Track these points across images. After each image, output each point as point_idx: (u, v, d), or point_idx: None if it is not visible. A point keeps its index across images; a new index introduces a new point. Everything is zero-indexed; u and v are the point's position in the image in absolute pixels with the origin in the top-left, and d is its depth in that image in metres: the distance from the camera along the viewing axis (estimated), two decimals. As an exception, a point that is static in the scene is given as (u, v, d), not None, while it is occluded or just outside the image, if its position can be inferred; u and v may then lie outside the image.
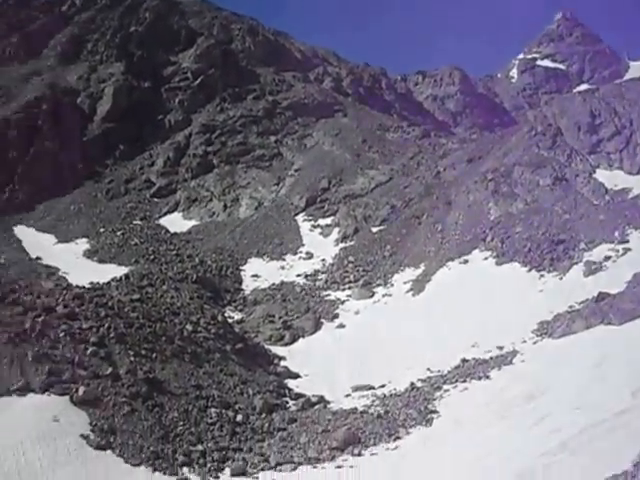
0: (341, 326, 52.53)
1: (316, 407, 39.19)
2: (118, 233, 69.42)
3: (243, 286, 60.69)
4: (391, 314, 52.27)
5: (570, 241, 52.20)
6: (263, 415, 37.30)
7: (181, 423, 34.65)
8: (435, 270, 55.45)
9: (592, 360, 33.34)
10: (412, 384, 39.81)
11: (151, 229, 71.47)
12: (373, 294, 56.27)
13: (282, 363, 46.62)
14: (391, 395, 39.38)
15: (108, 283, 49.09)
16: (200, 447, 33.41)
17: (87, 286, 46.20)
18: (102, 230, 70.52)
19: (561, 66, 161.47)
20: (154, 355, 38.93)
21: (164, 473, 31.29)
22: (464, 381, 37.97)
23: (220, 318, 47.99)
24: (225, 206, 75.74)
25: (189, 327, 43.58)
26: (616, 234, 51.05)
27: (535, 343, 40.87)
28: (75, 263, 61.80)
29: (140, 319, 41.47)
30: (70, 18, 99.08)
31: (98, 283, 48.21)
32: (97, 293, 43.59)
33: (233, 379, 40.34)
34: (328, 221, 70.49)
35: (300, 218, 71.97)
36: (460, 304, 49.05)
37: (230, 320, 51.36)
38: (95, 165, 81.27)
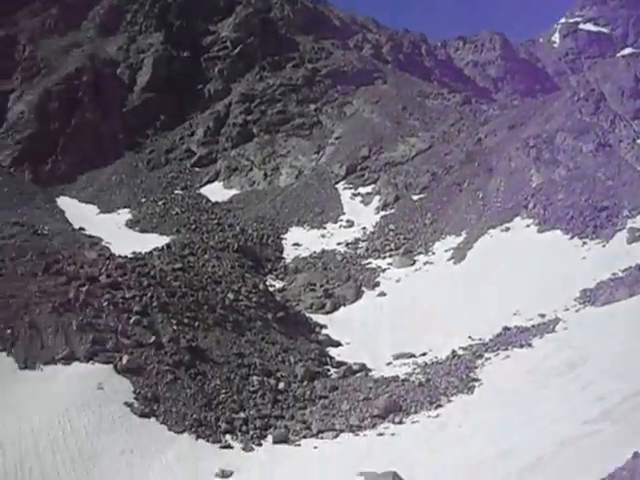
0: (382, 294, 52.48)
1: (357, 375, 39.29)
2: (159, 203, 69.86)
3: (284, 255, 60.82)
4: (432, 282, 52.11)
5: (613, 208, 51.48)
6: (305, 383, 37.49)
7: (223, 391, 34.96)
8: (476, 238, 55.07)
9: (635, 328, 32.98)
10: (453, 352, 39.72)
11: (192, 198, 71.81)
12: (414, 262, 56.08)
13: (323, 331, 46.75)
14: (432, 363, 39.34)
15: (150, 252, 49.46)
16: (242, 415, 33.72)
17: (129, 256, 46.60)
18: (143, 200, 71.01)
19: (604, 30, 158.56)
20: (196, 324, 39.24)
21: (207, 440, 31.66)
22: (506, 349, 37.78)
23: (261, 287, 48.17)
24: (265, 175, 75.81)
25: (231, 296, 43.82)
26: (660, 200, 50.33)
27: (578, 311, 40.49)
28: (117, 233, 62.35)
29: (182, 288, 41.79)
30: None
31: (140, 253, 48.58)
32: (139, 263, 43.98)
33: (275, 347, 40.56)
34: (368, 189, 70.26)
35: (340, 186, 71.81)
36: (502, 272, 48.74)
37: (271, 289, 51.53)
38: (136, 136, 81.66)
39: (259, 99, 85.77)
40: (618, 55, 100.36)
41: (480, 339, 40.89)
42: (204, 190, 74.79)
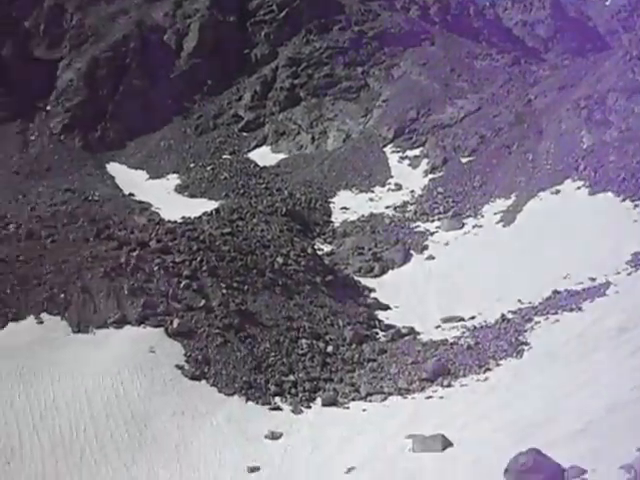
0: (431, 258, 52.29)
1: (406, 338, 39.34)
2: (208, 168, 70.23)
3: (332, 218, 60.84)
4: (481, 245, 51.76)
5: (666, 169, 50.49)
6: (353, 346, 37.65)
7: (273, 354, 35.29)
8: (526, 200, 54.45)
9: (689, 291, 32.52)
10: (503, 316, 39.53)
11: (240, 163, 72.06)
12: (463, 225, 55.70)
13: (372, 295, 46.79)
14: (481, 327, 39.22)
15: (199, 217, 49.82)
16: (292, 377, 34.04)
17: (179, 221, 47.03)
18: (192, 165, 71.47)
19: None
20: (246, 287, 39.57)
21: (257, 402, 32.06)
22: (555, 313, 37.45)
23: (310, 250, 48.30)
24: (313, 139, 75.71)
25: (279, 260, 44.04)
26: None
27: (629, 274, 39.90)
28: (167, 198, 62.91)
29: (231, 252, 42.10)
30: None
31: (189, 217, 48.96)
32: (189, 227, 44.38)
33: (323, 310, 40.75)
34: (417, 152, 69.75)
35: (388, 149, 71.41)
36: (552, 235, 48.18)
37: (320, 252, 51.65)
38: (183, 101, 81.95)
39: (306, 62, 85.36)
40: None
41: (529, 303, 40.59)
42: (252, 155, 74.99)
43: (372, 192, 64.72)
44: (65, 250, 39.48)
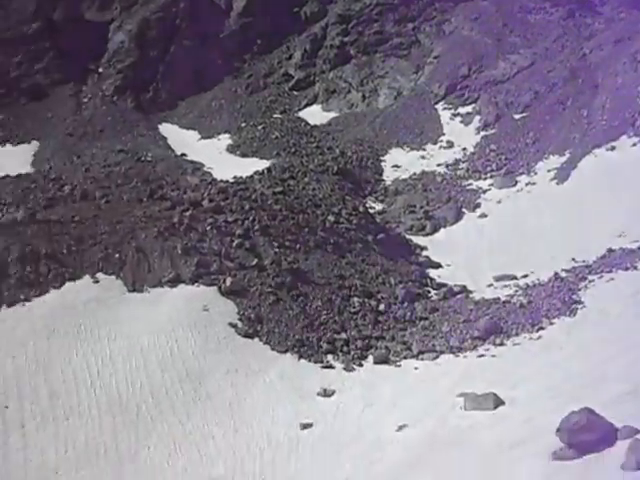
0: (483, 215, 51.94)
1: (458, 296, 39.29)
2: (259, 127, 70.27)
3: (384, 177, 60.61)
4: (534, 203, 51.20)
5: None
6: (405, 304, 37.69)
7: (325, 312, 35.51)
8: (580, 157, 53.57)
9: None
10: (556, 274, 39.18)
11: (291, 122, 71.93)
12: (516, 183, 55.11)
13: (423, 253, 46.71)
14: (534, 285, 38.95)
15: (251, 177, 50.01)
16: (344, 335, 34.25)
17: (231, 180, 47.28)
18: (243, 125, 71.54)
19: None
20: (297, 246, 39.75)
21: (309, 360, 32.37)
22: (610, 271, 37.00)
23: (361, 209, 48.30)
24: (364, 97, 75.21)
25: (331, 218, 44.10)
26: None
27: (686, 232, 39.27)
28: (218, 158, 63.17)
29: (283, 211, 42.27)
30: None
31: (241, 177, 49.18)
32: (241, 187, 44.61)
33: (375, 269, 40.79)
34: (469, 109, 68.92)
35: (440, 106, 70.65)
36: (606, 192, 47.41)
37: (371, 211, 51.63)
38: (234, 61, 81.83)
39: (356, 20, 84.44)
40: None
41: (583, 261, 40.15)
42: (303, 113, 74.80)
43: (424, 150, 64.25)
44: (119, 210, 40.03)
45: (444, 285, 40.82)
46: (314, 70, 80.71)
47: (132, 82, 74.88)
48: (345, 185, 53.96)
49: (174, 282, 35.09)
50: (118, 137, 65.09)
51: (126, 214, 39.28)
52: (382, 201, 56.27)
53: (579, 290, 35.82)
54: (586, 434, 13.54)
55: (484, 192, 54.96)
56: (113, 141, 63.94)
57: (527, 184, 54.37)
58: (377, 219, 49.74)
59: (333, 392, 30.22)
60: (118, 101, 72.99)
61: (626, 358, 24.06)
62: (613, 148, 52.58)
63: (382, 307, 36.91)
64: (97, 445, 27.09)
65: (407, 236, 49.09)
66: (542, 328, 32.64)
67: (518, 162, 57.79)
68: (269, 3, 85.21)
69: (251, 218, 39.74)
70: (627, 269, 36.40)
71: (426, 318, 36.34)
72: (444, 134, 65.97)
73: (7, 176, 48.12)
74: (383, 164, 62.55)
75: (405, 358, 32.79)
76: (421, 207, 53.54)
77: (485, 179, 56.94)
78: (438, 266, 44.56)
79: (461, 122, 67.46)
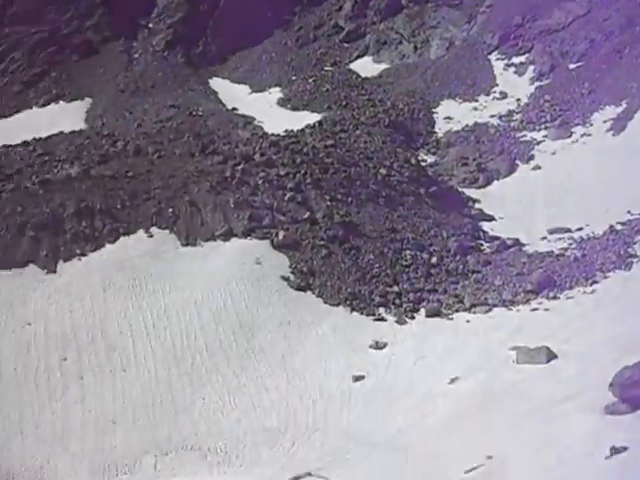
0: (537, 167, 51.21)
1: (511, 250, 38.97)
2: (310, 80, 69.86)
3: (436, 129, 60.01)
4: (590, 155, 50.30)
5: None
6: (457, 257, 37.54)
7: (377, 265, 35.56)
8: (637, 107, 52.36)
9: None
10: (611, 227, 38.59)
11: (342, 74, 71.36)
12: (571, 134, 54.15)
13: (476, 206, 46.33)
14: (589, 238, 38.47)
15: (302, 130, 49.91)
16: (396, 288, 34.32)
17: (282, 134, 47.25)
18: (294, 78, 71.17)
19: None
20: (349, 199, 39.72)
21: (361, 313, 32.52)
22: (666, 224, 36.43)
23: (413, 161, 47.99)
24: (415, 48, 74.19)
25: (383, 171, 43.92)
26: None
27: None
28: (269, 112, 63.08)
29: (335, 164, 42.19)
30: None
31: (292, 130, 49.10)
32: (292, 140, 44.58)
33: (427, 222, 40.62)
34: (522, 59, 67.64)
35: (493, 57, 69.46)
36: (665, 142, 46.47)
37: (423, 163, 51.25)
38: (283, 13, 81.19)
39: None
40: None
41: (639, 214, 39.48)
42: (354, 65, 74.10)
43: (476, 101, 63.36)
44: (172, 165, 40.32)
45: (497, 238, 40.50)
46: (365, 21, 79.72)
47: (182, 37, 74.80)
48: (397, 138, 53.56)
49: (227, 236, 35.42)
50: (169, 92, 65.26)
51: (179, 169, 39.57)
52: (434, 153, 55.79)
53: (634, 243, 35.30)
54: (639, 389, 13.47)
55: (538, 144, 54.13)
56: (164, 96, 64.13)
57: (582, 135, 53.41)
58: (429, 172, 49.38)
59: (385, 345, 30.38)
60: (168, 56, 73.05)
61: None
62: (672, 97, 51.39)
63: (434, 260, 36.82)
64: (153, 396, 27.68)
65: (459, 189, 48.69)
66: (596, 282, 32.33)
67: (573, 113, 56.70)
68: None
69: (303, 171, 39.75)
70: (684, 222, 35.75)
71: (479, 271, 36.18)
72: (497, 85, 64.93)
73: (61, 133, 48.72)
74: (435, 116, 61.89)
75: (457, 311, 32.79)
76: (474, 159, 52.99)
77: (539, 130, 56.03)
78: (491, 219, 44.19)
79: (515, 72, 66.30)
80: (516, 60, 67.47)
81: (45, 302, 31.29)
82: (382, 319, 32.21)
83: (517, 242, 39.70)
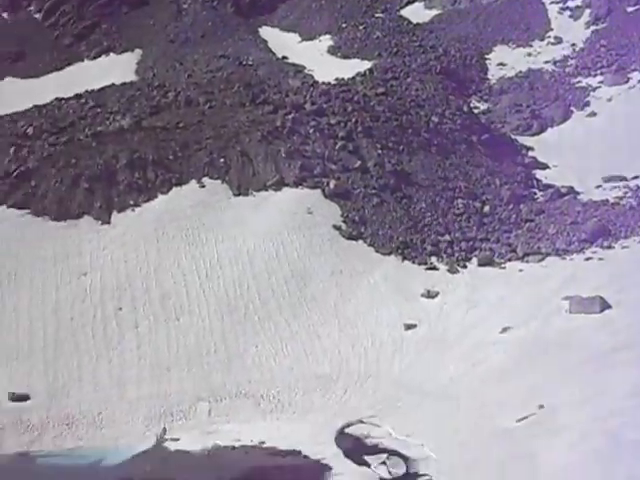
0: (592, 114, 50.32)
1: (565, 198, 38.52)
2: (360, 27, 69.11)
3: (488, 75, 59.15)
4: (647, 100, 49.30)
5: None
6: (510, 206, 37.26)
7: (429, 214, 35.46)
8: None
9: None
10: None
11: (393, 21, 70.44)
12: (628, 80, 52.96)
13: (530, 153, 45.75)
14: (645, 186, 37.93)
15: (353, 78, 49.56)
16: (448, 237, 34.24)
17: (333, 82, 46.97)
18: (344, 25, 70.45)
19: None
20: (401, 148, 39.52)
21: (413, 262, 32.53)
22: None
23: (465, 109, 47.48)
24: (467, -8, 72.97)
25: (435, 119, 43.56)
26: None
27: None
28: (320, 60, 62.66)
29: (386, 112, 41.94)
30: None
31: (343, 79, 48.77)
32: (343, 89, 44.33)
33: (480, 170, 40.29)
34: (578, 2, 66.08)
35: (547, 0, 68.05)
36: None
37: (476, 111, 50.68)
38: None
39: None
40: None
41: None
42: (405, 12, 73.05)
43: (530, 46, 62.22)
44: (223, 115, 40.39)
45: (551, 186, 40.03)
46: (416, -34, 78.47)
47: (232, -15, 74.40)
48: (448, 85, 52.93)
49: (278, 185, 35.52)
50: (219, 42, 65.10)
51: (230, 119, 39.64)
52: (487, 100, 55.07)
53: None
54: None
55: (594, 90, 53.10)
56: (214, 46, 64.00)
57: (639, 81, 52.27)
58: (482, 119, 48.82)
59: (437, 294, 30.41)
60: (218, 6, 72.71)
61: None
62: None
63: (487, 209, 36.59)
64: (207, 344, 28.12)
65: (513, 136, 48.08)
66: (652, 230, 31.86)
67: (630, 58, 55.38)
68: None
69: (354, 120, 39.57)
70: None
71: (532, 220, 35.86)
72: (552, 29, 63.63)
73: (112, 85, 48.95)
74: (488, 62, 60.96)
75: (510, 260, 32.63)
76: (527, 106, 52.24)
77: (595, 76, 54.92)
78: (545, 167, 43.64)
79: (570, 16, 64.86)
80: (571, 3, 65.95)
81: (100, 253, 31.80)
82: (434, 268, 32.21)
83: (571, 190, 39.21)
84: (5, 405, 25.64)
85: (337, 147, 37.73)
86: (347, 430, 24.53)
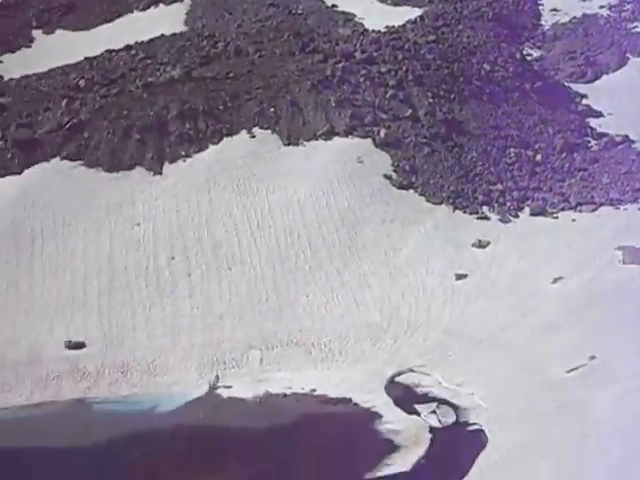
0: (650, 60, 49.26)
1: (619, 147, 37.93)
2: (411, -27, 68.15)
3: (542, 21, 58.00)
4: None
5: None
6: (563, 155, 36.80)
7: (480, 163, 35.17)
8: None
9: None
10: None
11: (444, -34, 69.34)
12: (686, 23, 51.72)
13: (584, 101, 44.97)
14: None
15: (403, 25, 48.93)
16: (499, 186, 33.98)
17: (383, 30, 46.44)
18: (395, -29, 69.50)
19: None
20: (452, 96, 39.11)
21: (464, 211, 32.38)
22: None
23: (518, 56, 46.72)
24: None
25: (486, 66, 42.96)
26: None
27: None
28: (370, 7, 61.79)
29: (437, 60, 41.47)
30: None
31: (394, 26, 48.18)
32: (393, 37, 43.84)
33: (532, 118, 39.76)
34: (636, -56, 64.30)
35: (604, -58, 66.26)
36: None
37: (528, 58, 49.83)
38: None
39: None
40: None
41: None
42: (456, -43, 71.78)
43: (586, -9, 60.87)
44: (272, 65, 40.23)
45: (605, 135, 39.40)
46: None
47: None
48: (501, 31, 52.04)
49: (328, 135, 35.42)
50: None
51: (279, 68, 39.47)
52: (540, 47, 54.07)
53: None
54: None
55: (651, 34, 51.92)
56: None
57: (699, 25, 50.95)
58: (535, 66, 48.00)
59: (488, 243, 30.28)
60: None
61: None
62: None
63: (539, 158, 36.17)
64: (258, 293, 28.42)
65: (566, 83, 47.23)
66: None
67: (689, 1, 54.00)
68: None
69: (404, 68, 39.18)
70: None
71: (585, 169, 35.42)
72: (607, -27, 62.11)
73: (162, 36, 48.90)
74: (541, 8, 59.72)
75: (562, 210, 32.35)
76: (582, 53, 51.19)
77: (653, 19, 53.69)
78: (599, 115, 42.88)
79: (628, -42, 63.19)
80: (630, -56, 64.03)
81: (152, 203, 32.12)
82: (485, 217, 32.04)
83: (626, 139, 38.60)
84: (62, 353, 26.28)
85: (387, 96, 37.44)
86: (397, 379, 24.77)
